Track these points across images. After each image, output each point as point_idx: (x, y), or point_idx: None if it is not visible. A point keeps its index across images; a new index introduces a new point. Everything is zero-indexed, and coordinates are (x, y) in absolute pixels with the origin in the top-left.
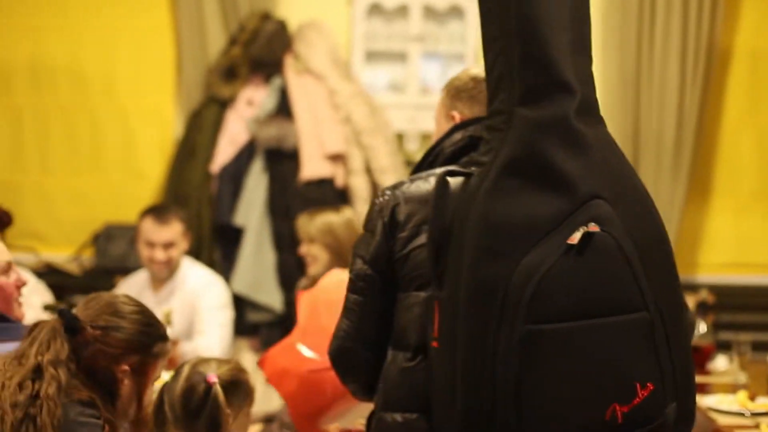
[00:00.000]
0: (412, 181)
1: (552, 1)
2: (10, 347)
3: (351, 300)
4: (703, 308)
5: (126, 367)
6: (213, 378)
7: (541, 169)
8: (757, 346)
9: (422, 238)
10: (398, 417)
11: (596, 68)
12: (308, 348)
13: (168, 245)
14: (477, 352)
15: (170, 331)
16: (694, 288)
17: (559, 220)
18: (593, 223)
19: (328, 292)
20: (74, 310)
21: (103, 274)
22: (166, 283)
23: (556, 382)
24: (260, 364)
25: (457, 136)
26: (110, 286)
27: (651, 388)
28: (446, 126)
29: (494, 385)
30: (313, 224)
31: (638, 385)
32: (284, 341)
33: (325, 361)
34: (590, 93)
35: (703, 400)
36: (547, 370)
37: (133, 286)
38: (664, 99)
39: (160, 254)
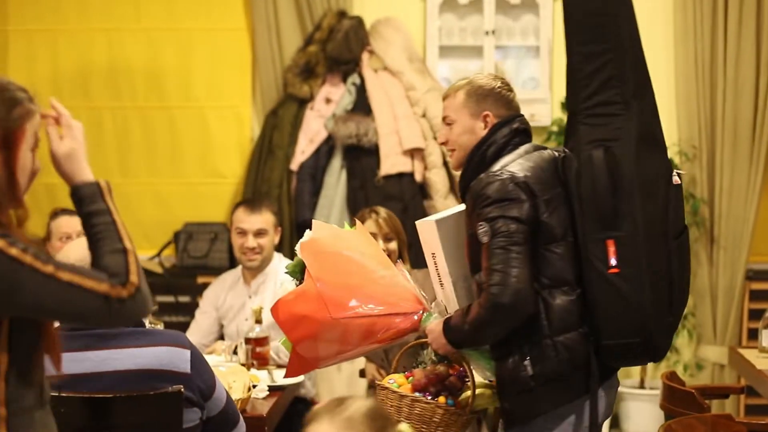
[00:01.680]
0: (507, 164)
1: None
2: (152, 351)
3: (514, 251)
4: None
5: None
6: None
7: (652, 139)
8: None
9: (555, 201)
10: (574, 335)
11: (671, 57)
12: (333, 296)
13: (259, 233)
14: (658, 263)
15: (259, 329)
16: None
17: (665, 169)
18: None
19: (328, 246)
20: None
21: (185, 272)
22: (258, 276)
23: (684, 265)
24: (273, 310)
25: (504, 131)
26: (192, 284)
27: None
28: (471, 122)
29: (670, 281)
30: (392, 221)
31: None
32: (298, 289)
33: (353, 310)
34: None
35: None
36: (682, 263)
37: (227, 280)
38: (738, 86)
39: (251, 241)
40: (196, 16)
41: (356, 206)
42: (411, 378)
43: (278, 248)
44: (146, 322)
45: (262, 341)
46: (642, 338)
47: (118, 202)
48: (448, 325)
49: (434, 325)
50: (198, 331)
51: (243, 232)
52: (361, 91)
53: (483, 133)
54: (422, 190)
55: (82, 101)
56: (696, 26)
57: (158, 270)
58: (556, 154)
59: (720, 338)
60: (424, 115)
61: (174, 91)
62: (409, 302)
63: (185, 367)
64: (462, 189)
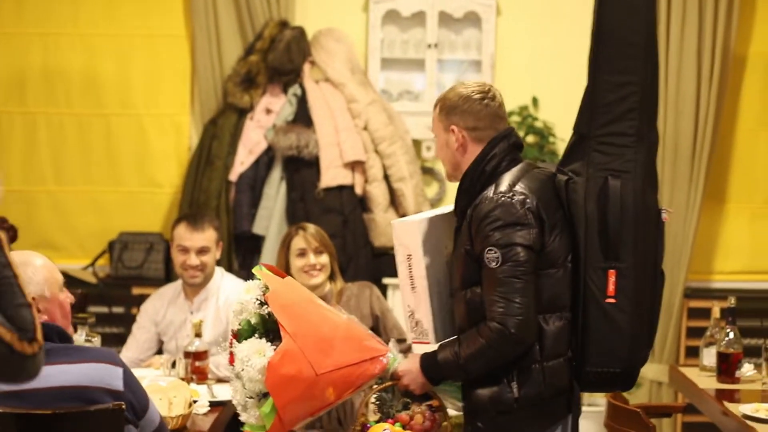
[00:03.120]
0: (514, 183)
1: None
2: (83, 367)
3: (523, 279)
4: (730, 314)
5: None
6: None
7: (653, 175)
8: None
9: (559, 226)
10: (561, 359)
11: None
12: (312, 351)
13: (201, 251)
14: (645, 297)
15: (199, 342)
16: (709, 293)
17: (657, 205)
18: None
19: (288, 297)
20: None
21: (119, 283)
22: (200, 292)
23: (660, 300)
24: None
25: (503, 145)
26: (127, 294)
27: None
28: (445, 136)
29: (651, 314)
30: (320, 235)
31: None
32: (282, 349)
33: (331, 364)
34: None
35: (738, 408)
36: (660, 298)
37: (166, 295)
38: (679, 105)
39: (193, 259)
40: (136, 21)
41: (296, 218)
42: (398, 423)
43: (218, 261)
44: (83, 334)
45: (201, 355)
46: (624, 368)
47: (53, 211)
48: (431, 363)
49: (409, 365)
50: (135, 347)
51: (185, 250)
52: (302, 102)
53: (455, 146)
54: (362, 203)
55: (16, 106)
56: None
57: (92, 280)
58: (552, 172)
59: (658, 356)
60: (365, 128)
61: (111, 98)
62: (371, 345)
63: (118, 384)
64: (462, 205)
